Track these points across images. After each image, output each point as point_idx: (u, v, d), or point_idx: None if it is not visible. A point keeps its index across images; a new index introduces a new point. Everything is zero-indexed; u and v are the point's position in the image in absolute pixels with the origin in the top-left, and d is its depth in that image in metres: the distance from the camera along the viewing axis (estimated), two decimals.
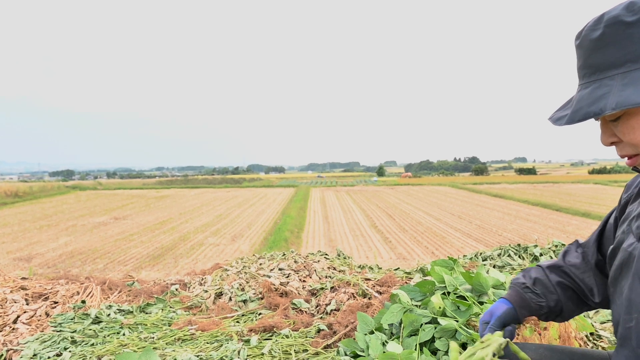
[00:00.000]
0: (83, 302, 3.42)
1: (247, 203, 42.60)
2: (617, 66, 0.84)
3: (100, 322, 3.04)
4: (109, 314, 3.17)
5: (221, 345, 2.56)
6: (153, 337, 2.73)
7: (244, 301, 3.38)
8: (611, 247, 1.07)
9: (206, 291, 3.71)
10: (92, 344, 2.64)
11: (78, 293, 3.58)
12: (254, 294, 3.42)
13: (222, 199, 47.04)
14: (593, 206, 32.46)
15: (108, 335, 2.81)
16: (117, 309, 3.31)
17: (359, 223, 28.33)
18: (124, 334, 2.83)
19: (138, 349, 2.55)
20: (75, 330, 2.86)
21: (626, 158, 0.94)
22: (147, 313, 3.33)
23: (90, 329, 2.88)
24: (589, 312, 2.48)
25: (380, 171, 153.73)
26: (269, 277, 3.60)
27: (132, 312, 3.31)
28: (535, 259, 5.32)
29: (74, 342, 2.69)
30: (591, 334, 2.36)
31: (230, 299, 3.47)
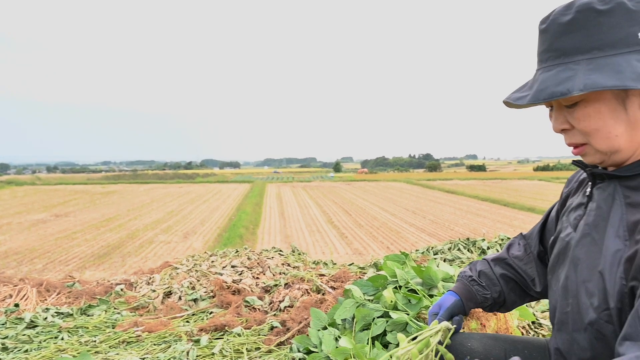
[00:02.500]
0: (16, 305, 3.18)
1: (201, 199, 41.62)
2: (583, 52, 0.85)
3: (36, 326, 2.84)
4: (45, 318, 2.96)
5: (169, 347, 2.47)
6: (95, 341, 2.58)
7: (195, 300, 3.27)
8: (552, 237, 1.11)
9: (154, 291, 3.57)
10: (26, 350, 2.46)
11: (11, 296, 3.33)
12: (205, 292, 3.32)
13: (174, 195, 45.69)
14: (537, 201, 34.29)
15: (44, 341, 2.63)
16: (55, 312, 3.10)
17: (315, 219, 28.42)
18: (62, 339, 2.66)
19: (77, 353, 2.40)
20: (7, 336, 2.65)
21: (572, 148, 0.95)
22: (88, 315, 3.15)
23: (24, 334, 2.68)
24: (531, 302, 2.60)
25: (337, 167, 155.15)
26: (221, 274, 3.51)
27: (72, 314, 3.12)
28: (483, 252, 5.52)
29: (5, 349, 2.49)
30: (532, 322, 2.46)
31: (179, 298, 3.35)
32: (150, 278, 3.91)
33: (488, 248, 5.57)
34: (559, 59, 0.87)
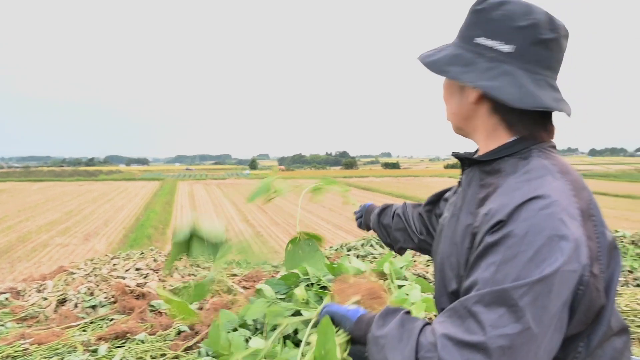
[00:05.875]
0: None
1: (104, 198, 38.73)
2: (458, 35, 1.01)
3: None
4: None
5: (62, 359, 2.25)
6: None
7: (93, 307, 3.03)
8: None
9: (45, 298, 3.24)
10: None
11: None
12: (105, 298, 3.09)
13: (73, 194, 41.98)
14: None
15: None
16: None
17: (230, 217, 27.85)
18: None
19: None
20: None
21: None
22: None
23: None
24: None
25: (252, 164, 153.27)
26: (124, 278, 3.28)
27: None
28: None
29: None
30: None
31: (75, 305, 3.08)
32: (41, 285, 3.56)
33: None
34: None
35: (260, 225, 24.92)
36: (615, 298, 0.90)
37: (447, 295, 0.98)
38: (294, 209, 31.22)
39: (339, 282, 1.74)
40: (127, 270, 3.48)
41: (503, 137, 0.96)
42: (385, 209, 1.65)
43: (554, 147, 0.98)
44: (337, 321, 1.10)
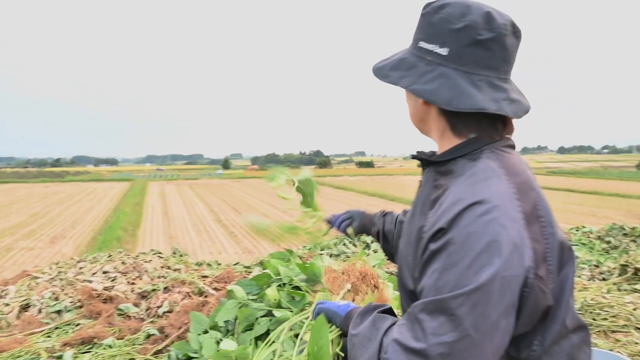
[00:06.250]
0: None
1: (71, 199, 37.55)
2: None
3: None
4: None
5: None
6: None
7: (58, 312, 2.92)
8: None
9: (7, 304, 3.11)
10: None
11: None
12: (71, 302, 2.99)
13: (39, 196, 40.56)
14: None
15: None
16: None
17: (202, 218, 27.43)
18: None
19: None
20: None
21: None
22: None
23: None
24: None
25: (225, 164, 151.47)
26: (90, 281, 3.18)
27: None
28: (367, 246, 5.84)
29: None
30: None
31: (39, 311, 2.97)
32: (3, 290, 3.41)
33: (372, 242, 5.91)
34: None
35: (234, 225, 24.64)
36: (572, 296, 0.92)
37: (406, 294, 0.99)
38: (267, 209, 31.04)
39: (330, 271, 1.73)
40: (94, 274, 3.38)
41: (453, 138, 0.97)
42: (386, 215, 1.59)
43: (511, 146, 0.97)
44: (329, 317, 1.14)
